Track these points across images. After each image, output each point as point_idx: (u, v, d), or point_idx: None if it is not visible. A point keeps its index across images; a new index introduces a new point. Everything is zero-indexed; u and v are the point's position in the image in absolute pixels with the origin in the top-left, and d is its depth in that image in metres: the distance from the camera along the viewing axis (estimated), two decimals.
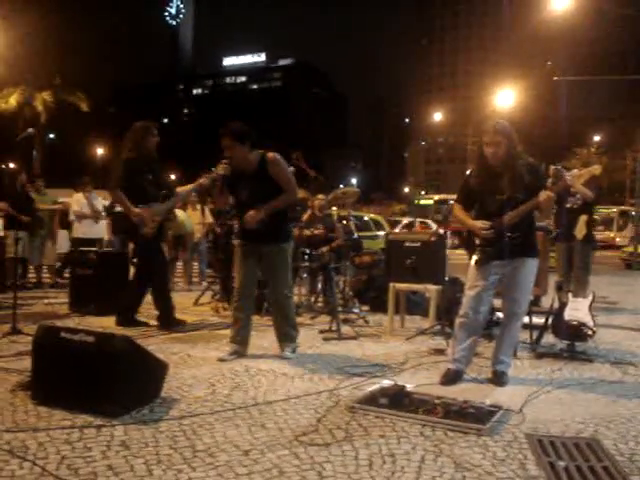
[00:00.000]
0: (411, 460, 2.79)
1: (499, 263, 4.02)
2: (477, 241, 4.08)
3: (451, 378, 4.07)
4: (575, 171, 4.09)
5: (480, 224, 4.04)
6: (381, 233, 15.10)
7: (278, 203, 4.58)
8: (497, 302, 4.56)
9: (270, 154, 4.59)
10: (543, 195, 3.84)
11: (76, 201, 9.12)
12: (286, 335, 4.82)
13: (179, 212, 9.64)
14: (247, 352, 4.75)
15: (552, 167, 7.00)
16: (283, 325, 4.83)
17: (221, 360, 4.56)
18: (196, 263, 10.43)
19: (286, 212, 4.78)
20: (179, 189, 6.12)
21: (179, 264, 10.01)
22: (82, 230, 9.06)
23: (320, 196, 7.63)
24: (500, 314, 4.56)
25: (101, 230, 9.43)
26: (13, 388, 3.62)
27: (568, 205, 6.62)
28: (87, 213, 9.01)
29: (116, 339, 3.38)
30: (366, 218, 16.80)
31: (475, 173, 4.17)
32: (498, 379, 4.09)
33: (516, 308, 4.12)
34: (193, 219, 9.80)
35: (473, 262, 4.09)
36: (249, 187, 4.59)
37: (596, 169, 4.16)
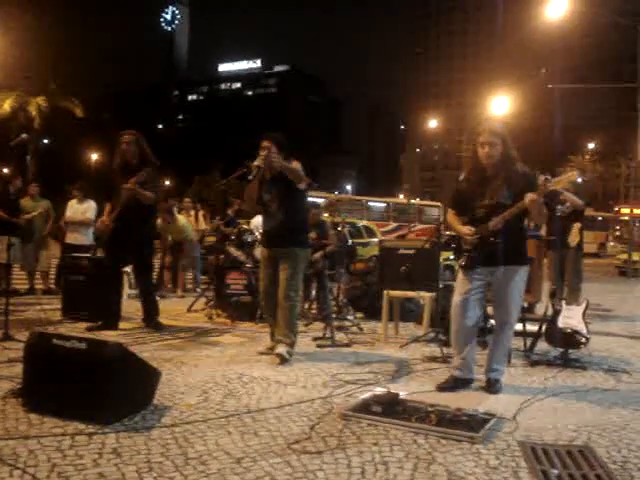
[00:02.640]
0: (404, 468, 2.78)
1: (486, 269, 4.01)
2: (464, 246, 4.07)
3: (449, 385, 4.07)
4: (555, 179, 4.03)
5: (466, 229, 4.03)
6: (374, 240, 15.14)
7: (291, 168, 4.85)
8: (490, 309, 4.56)
9: (293, 160, 5.00)
10: (528, 197, 3.78)
11: (69, 207, 9.09)
12: (284, 336, 4.87)
13: (181, 217, 9.58)
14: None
15: (542, 177, 7.00)
16: (283, 327, 4.88)
17: (260, 353, 5.02)
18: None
19: (303, 221, 5.15)
20: None
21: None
22: (70, 237, 9.02)
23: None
24: (493, 321, 4.55)
25: (91, 237, 9.37)
26: (4, 395, 3.59)
27: (558, 213, 6.65)
28: (74, 219, 8.97)
29: (108, 346, 3.36)
30: (358, 225, 16.85)
31: (466, 176, 4.15)
32: (491, 387, 4.06)
33: (507, 316, 4.09)
34: None
35: (458, 267, 4.09)
36: (270, 188, 4.99)
37: (572, 175, 4.11)
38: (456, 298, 4.09)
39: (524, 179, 3.96)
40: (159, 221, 9.28)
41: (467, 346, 4.11)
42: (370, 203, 23.61)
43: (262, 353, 5.03)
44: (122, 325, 6.11)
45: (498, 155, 3.92)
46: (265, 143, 4.93)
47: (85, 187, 9.26)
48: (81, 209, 8.96)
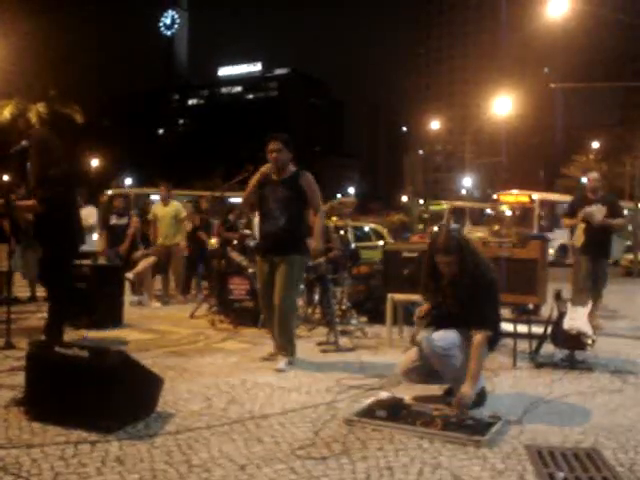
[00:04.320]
0: (409, 473, 2.77)
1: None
2: None
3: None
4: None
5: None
6: (382, 243, 15.11)
7: (320, 226, 4.97)
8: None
9: (305, 171, 5.01)
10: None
11: None
12: (281, 348, 4.85)
13: (176, 203, 9.29)
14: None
15: (584, 210, 6.91)
16: (280, 336, 4.85)
17: (264, 359, 4.97)
18: None
19: (304, 228, 5.04)
20: None
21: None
22: None
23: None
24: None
25: (93, 243, 9.33)
26: (7, 404, 3.59)
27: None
28: None
29: (110, 354, 3.36)
30: (366, 228, 16.84)
31: (424, 282, 4.03)
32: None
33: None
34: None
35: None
36: (277, 192, 4.88)
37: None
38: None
39: (471, 287, 3.77)
40: (155, 205, 9.07)
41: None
42: (232, 199, 17.37)
43: (265, 359, 5.00)
44: (124, 333, 6.11)
45: (455, 270, 3.82)
46: (273, 145, 4.84)
47: (85, 193, 9.24)
48: (82, 215, 8.92)
